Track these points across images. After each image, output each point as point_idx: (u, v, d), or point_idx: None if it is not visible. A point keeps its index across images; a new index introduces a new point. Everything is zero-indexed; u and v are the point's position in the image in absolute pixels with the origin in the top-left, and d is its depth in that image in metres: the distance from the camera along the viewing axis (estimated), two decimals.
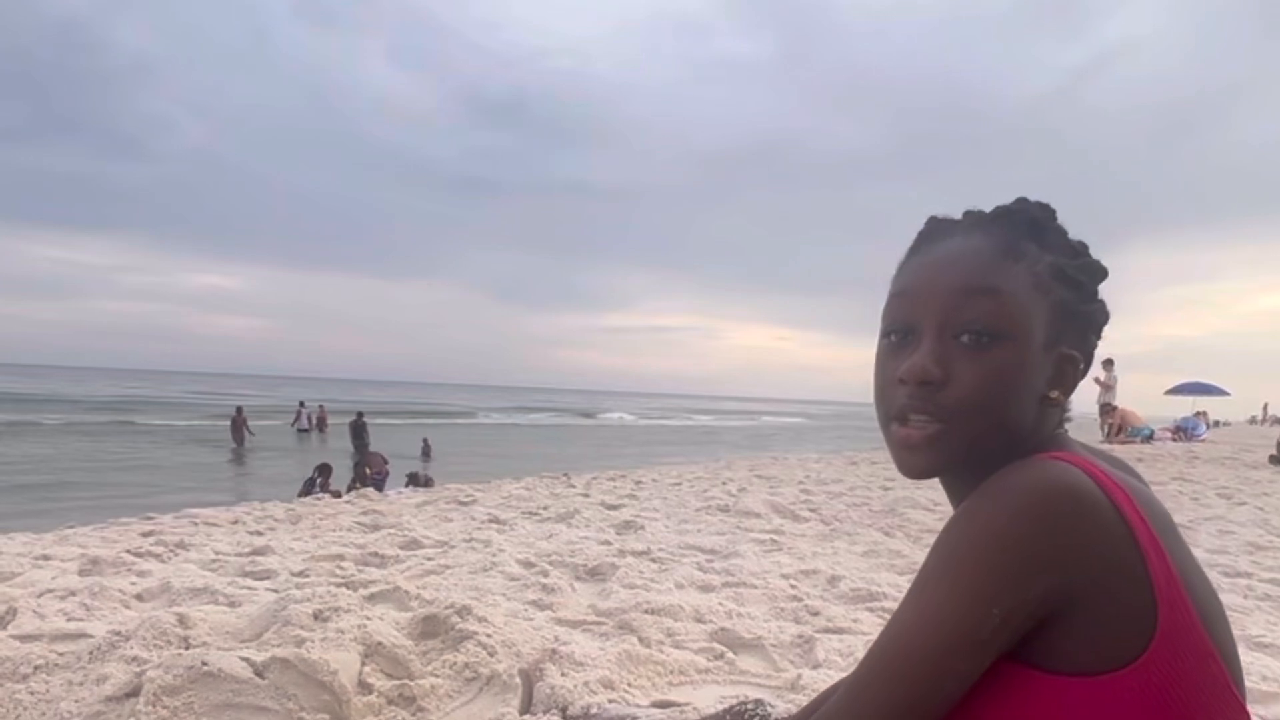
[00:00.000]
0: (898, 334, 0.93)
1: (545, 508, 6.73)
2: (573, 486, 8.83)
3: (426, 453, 20.94)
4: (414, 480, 12.11)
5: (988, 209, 0.97)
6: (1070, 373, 0.91)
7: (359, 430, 19.74)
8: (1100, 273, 0.95)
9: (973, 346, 0.87)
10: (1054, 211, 0.95)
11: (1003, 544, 0.75)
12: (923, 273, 0.93)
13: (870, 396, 0.98)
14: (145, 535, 5.29)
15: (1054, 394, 0.90)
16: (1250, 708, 2.58)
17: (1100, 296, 0.96)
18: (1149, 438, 17.43)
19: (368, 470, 13.58)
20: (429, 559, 4.26)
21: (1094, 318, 0.95)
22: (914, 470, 0.91)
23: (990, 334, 0.87)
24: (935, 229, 0.98)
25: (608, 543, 4.87)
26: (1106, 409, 18.10)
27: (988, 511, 0.78)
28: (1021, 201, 0.96)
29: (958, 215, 0.99)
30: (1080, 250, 0.94)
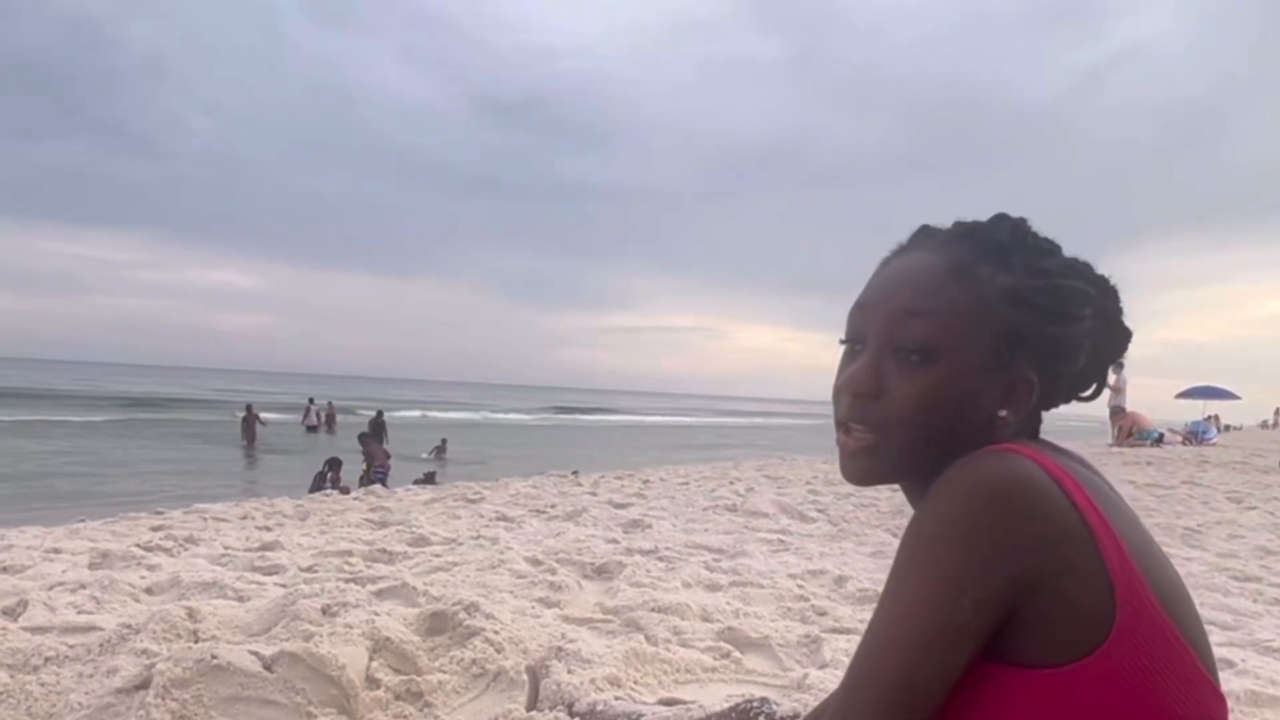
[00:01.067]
0: (851, 344, 0.97)
1: (553, 506, 6.74)
2: (580, 485, 8.84)
3: (441, 451, 21.00)
4: (428, 479, 12.15)
5: (982, 218, 0.98)
6: (1023, 394, 0.93)
7: (378, 428, 19.78)
8: (1072, 296, 0.94)
9: (906, 364, 0.91)
10: (1025, 232, 0.96)
11: (964, 533, 0.78)
12: (875, 287, 0.97)
13: None
14: (155, 530, 5.31)
15: (1003, 413, 0.92)
16: (1260, 712, 2.55)
17: (1083, 318, 0.95)
18: (1158, 441, 17.35)
19: (369, 465, 13.56)
20: (437, 556, 4.27)
21: (1065, 340, 0.94)
22: (851, 476, 0.96)
23: (920, 354, 0.90)
24: (912, 240, 1.01)
25: (615, 541, 4.88)
26: (1116, 412, 18.02)
27: (945, 503, 0.81)
28: (995, 219, 0.97)
29: (948, 224, 1.00)
30: (1050, 273, 0.94)
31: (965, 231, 0.97)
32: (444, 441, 21.79)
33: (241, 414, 23.85)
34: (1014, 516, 0.78)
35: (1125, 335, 1.01)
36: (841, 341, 0.99)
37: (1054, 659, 0.78)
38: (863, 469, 0.94)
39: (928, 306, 0.91)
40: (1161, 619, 0.79)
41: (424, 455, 20.23)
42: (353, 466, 13.66)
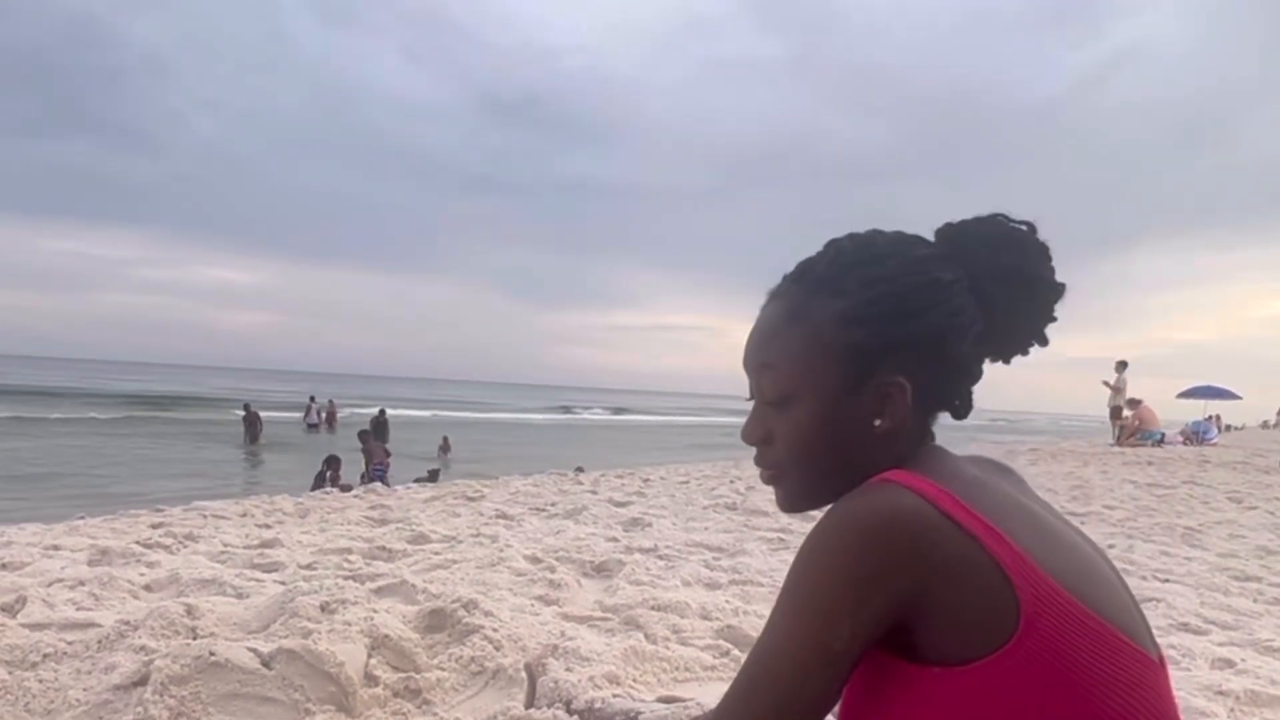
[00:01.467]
0: (750, 397, 1.06)
1: (553, 504, 6.74)
2: (581, 483, 8.84)
3: (444, 450, 20.76)
4: (431, 477, 12.14)
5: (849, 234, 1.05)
6: (897, 398, 0.96)
7: (380, 427, 19.66)
8: (912, 292, 0.97)
9: (774, 411, 1.01)
10: (845, 253, 1.01)
11: (837, 568, 0.84)
12: (745, 345, 1.06)
13: None
14: (154, 527, 5.31)
15: (877, 423, 0.97)
16: (1260, 712, 2.54)
17: (937, 304, 0.97)
18: (1160, 441, 17.34)
19: (367, 463, 13.54)
20: (436, 553, 4.27)
21: (927, 330, 0.97)
22: (779, 507, 1.06)
23: (781, 402, 0.99)
24: (777, 286, 1.07)
25: (615, 539, 4.88)
26: (1117, 411, 18.01)
27: (820, 541, 0.87)
28: (822, 250, 1.04)
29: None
30: (882, 279, 0.97)
31: (798, 272, 1.04)
32: (445, 439, 21.71)
33: (242, 413, 23.75)
34: (883, 549, 0.83)
35: (1037, 282, 1.02)
36: (747, 399, 1.07)
37: (969, 655, 0.83)
38: (781, 502, 1.05)
39: (771, 359, 1.00)
40: (1067, 600, 0.83)
41: (436, 457, 19.92)
42: (354, 465, 13.65)
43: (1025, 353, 1.07)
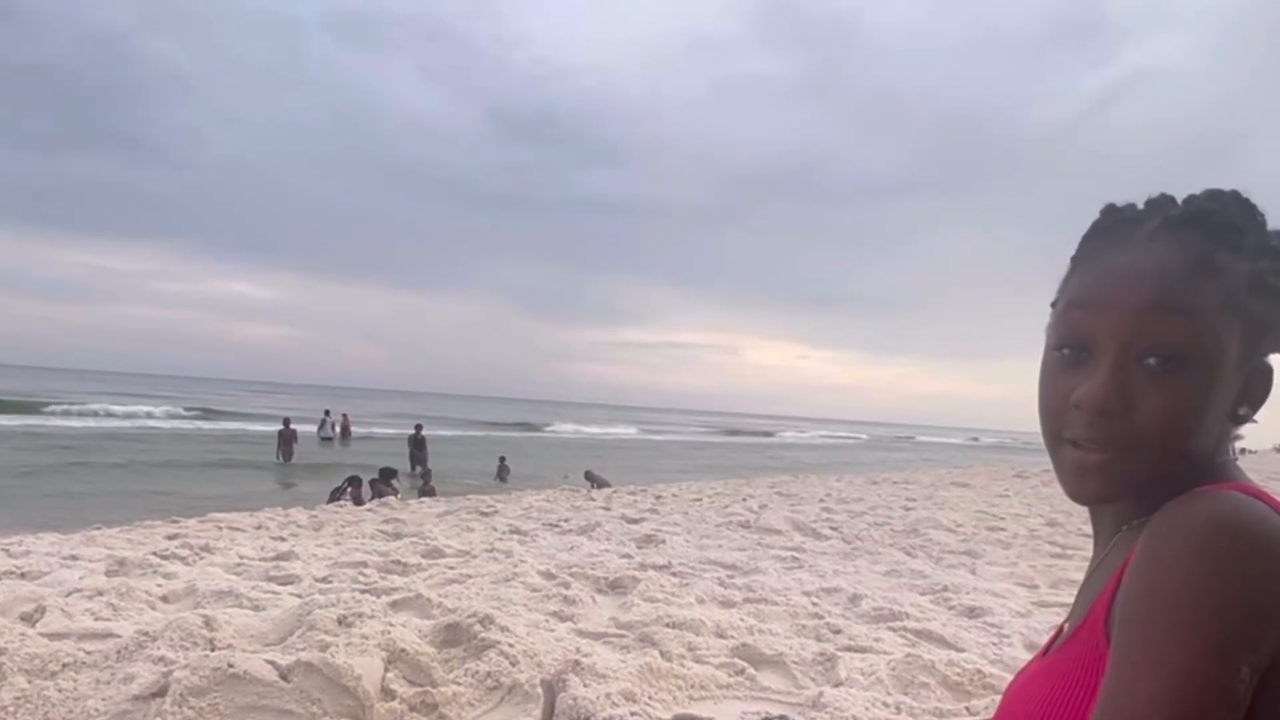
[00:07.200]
0: (1072, 349, 0.84)
1: (566, 520, 6.74)
2: (593, 499, 8.84)
3: (502, 473, 19.58)
4: (426, 485, 12.14)
5: (1178, 200, 0.87)
6: (1262, 387, 0.84)
7: (419, 444, 19.21)
8: None
9: (1159, 371, 0.78)
10: (1253, 209, 0.84)
11: (1236, 595, 0.68)
12: (1106, 284, 0.83)
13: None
14: (170, 538, 5.34)
15: (1243, 410, 0.83)
16: None
17: None
18: None
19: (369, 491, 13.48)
20: (451, 568, 4.28)
21: None
22: (1086, 497, 0.84)
23: (1179, 359, 0.78)
24: (1114, 224, 0.88)
25: (629, 556, 4.87)
26: None
27: (1206, 559, 0.70)
28: (1216, 199, 0.85)
29: (1138, 205, 0.88)
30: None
31: (1195, 215, 0.84)
32: (503, 460, 20.41)
33: (279, 428, 22.93)
34: (1274, 574, 0.69)
35: None
36: (1057, 348, 0.86)
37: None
38: (1102, 488, 0.82)
39: (1182, 304, 0.79)
40: None
41: (494, 479, 18.91)
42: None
43: None
